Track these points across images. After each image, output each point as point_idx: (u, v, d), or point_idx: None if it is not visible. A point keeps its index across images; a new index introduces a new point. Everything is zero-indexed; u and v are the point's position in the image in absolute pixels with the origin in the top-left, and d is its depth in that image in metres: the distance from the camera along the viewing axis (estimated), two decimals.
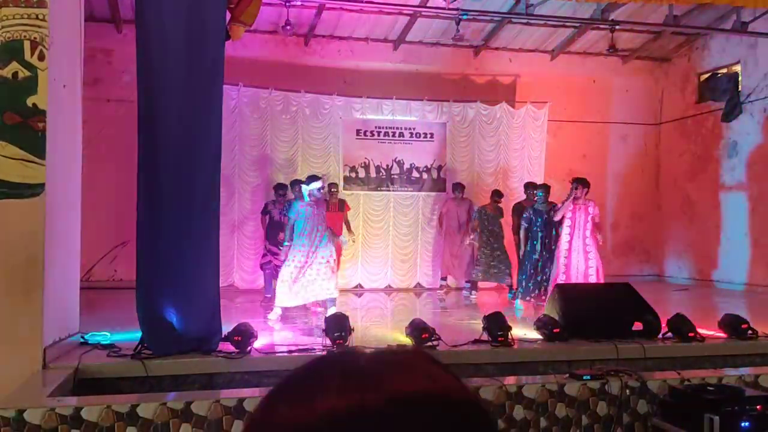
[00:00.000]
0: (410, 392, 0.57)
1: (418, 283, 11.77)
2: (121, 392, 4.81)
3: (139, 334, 5.31)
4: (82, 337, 5.67)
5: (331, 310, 7.14)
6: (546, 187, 9.37)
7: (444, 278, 11.03)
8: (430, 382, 0.59)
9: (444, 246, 11.00)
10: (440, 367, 0.62)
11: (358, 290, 11.09)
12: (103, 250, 10.39)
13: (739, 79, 11.80)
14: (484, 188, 11.92)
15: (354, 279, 11.32)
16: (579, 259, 8.22)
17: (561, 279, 8.15)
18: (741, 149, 11.74)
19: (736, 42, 11.76)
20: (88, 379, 4.89)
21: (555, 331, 6.04)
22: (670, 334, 6.24)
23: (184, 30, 5.51)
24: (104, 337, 5.70)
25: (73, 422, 3.89)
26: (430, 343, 5.67)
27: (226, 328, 5.55)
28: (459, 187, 10.84)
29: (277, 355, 5.51)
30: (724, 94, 11.86)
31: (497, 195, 10.37)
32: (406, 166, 11.85)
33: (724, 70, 12.19)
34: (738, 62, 11.88)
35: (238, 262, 10.95)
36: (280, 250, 8.57)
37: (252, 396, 4.31)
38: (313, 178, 7.97)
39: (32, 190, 4.81)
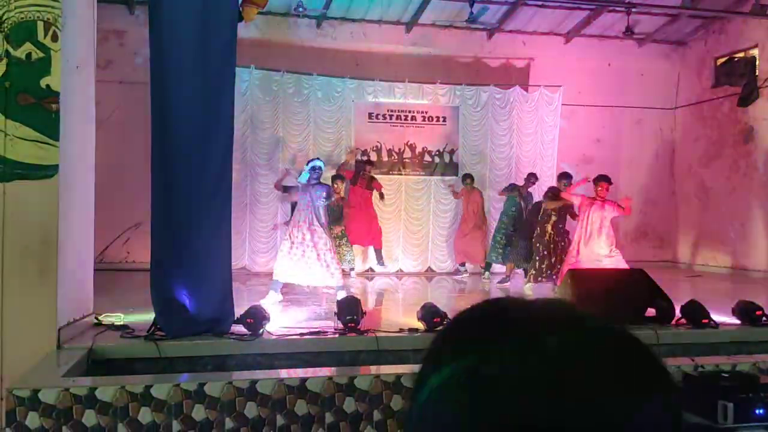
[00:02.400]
0: (610, 328, 0.57)
1: (430, 268, 11.76)
2: (134, 373, 4.84)
3: (152, 316, 5.33)
4: (96, 318, 5.71)
5: (341, 294, 7.14)
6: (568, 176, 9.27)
7: (462, 264, 11.05)
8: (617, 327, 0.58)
9: (456, 233, 11.10)
10: None
11: (370, 274, 11.10)
12: (116, 231, 10.43)
13: (757, 63, 11.63)
14: (497, 172, 11.89)
15: (365, 263, 11.32)
16: (590, 257, 8.15)
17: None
18: (757, 134, 11.61)
19: (754, 25, 11.58)
20: (101, 360, 4.93)
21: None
22: (683, 321, 6.20)
23: (197, 11, 5.48)
24: (119, 318, 5.74)
25: (88, 402, 3.92)
26: (441, 327, 5.66)
27: (239, 311, 5.57)
28: (468, 177, 10.83)
29: (288, 337, 5.52)
30: (741, 78, 11.71)
31: (533, 178, 10.30)
32: (418, 149, 11.80)
33: (741, 54, 12.02)
34: (755, 46, 11.70)
35: (250, 245, 10.97)
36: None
37: (264, 378, 4.33)
38: (311, 161, 7.99)
39: (45, 171, 4.83)
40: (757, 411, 4.05)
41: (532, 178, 10.34)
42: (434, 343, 0.59)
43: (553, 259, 8.71)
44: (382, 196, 10.36)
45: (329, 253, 7.58)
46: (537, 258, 8.82)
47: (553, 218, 8.81)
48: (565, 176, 9.09)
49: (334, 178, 9.20)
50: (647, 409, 0.52)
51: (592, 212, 8.20)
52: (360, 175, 10.59)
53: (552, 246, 8.74)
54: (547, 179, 11.01)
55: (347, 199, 9.93)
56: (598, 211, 8.20)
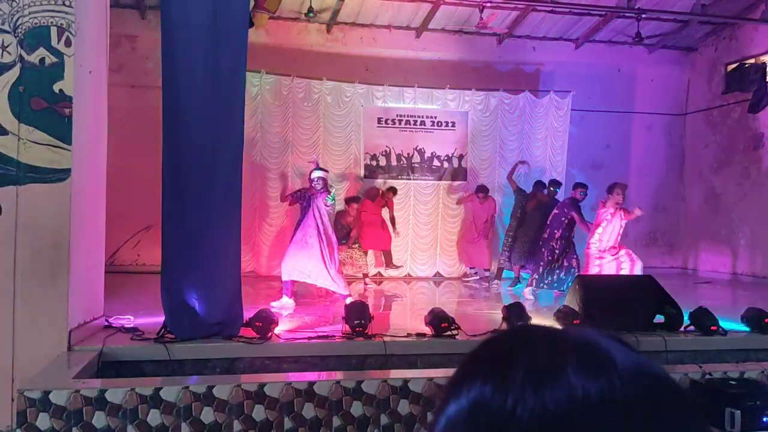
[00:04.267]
0: (651, 373, 0.52)
1: (438, 272, 11.77)
2: (144, 375, 4.88)
3: (162, 318, 5.37)
4: (107, 320, 5.75)
5: (348, 300, 7.17)
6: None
7: (473, 268, 11.08)
8: (653, 363, 0.54)
9: (464, 238, 11.19)
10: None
11: (378, 278, 11.11)
12: (127, 234, 10.50)
13: (767, 69, 11.59)
14: (508, 169, 11.87)
15: (374, 267, 11.34)
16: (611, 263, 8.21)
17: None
18: None
19: (765, 31, 11.54)
20: (111, 362, 4.97)
21: (575, 322, 6.02)
22: (692, 327, 6.19)
23: (208, 16, 5.53)
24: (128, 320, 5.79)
25: (98, 404, 3.96)
26: (449, 333, 5.69)
27: (248, 314, 5.60)
28: (483, 189, 10.88)
29: (297, 341, 5.55)
30: (751, 84, 11.66)
31: (556, 185, 10.01)
32: (427, 154, 11.81)
33: (752, 60, 11.97)
34: (766, 52, 11.66)
35: (259, 249, 11.01)
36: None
37: (272, 381, 4.36)
38: (314, 171, 8.06)
39: (58, 174, 4.88)
40: (764, 418, 4.05)
41: (553, 184, 10.10)
42: (458, 369, 0.56)
43: (554, 266, 8.72)
44: (393, 224, 10.58)
45: (333, 267, 7.62)
46: (540, 263, 8.84)
47: (563, 225, 8.82)
48: (555, 183, 9.25)
49: (348, 201, 9.44)
50: None
51: (615, 220, 8.27)
52: (381, 196, 10.74)
53: (557, 252, 8.74)
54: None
55: (360, 220, 10.09)
56: (616, 217, 8.27)
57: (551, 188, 9.91)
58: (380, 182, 11.27)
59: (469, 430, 0.50)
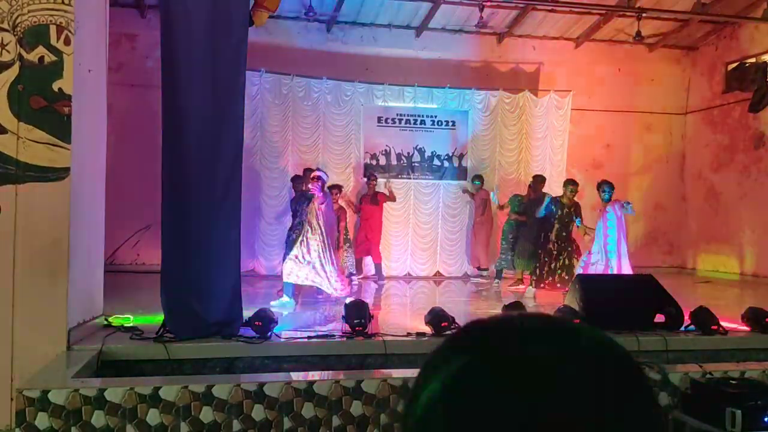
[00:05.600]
0: (600, 338, 0.59)
1: (438, 271, 11.76)
2: (143, 375, 4.87)
3: (161, 318, 5.37)
4: (106, 320, 5.74)
5: (348, 300, 7.17)
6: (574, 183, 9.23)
7: (479, 267, 11.10)
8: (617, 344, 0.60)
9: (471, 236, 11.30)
10: None
11: (376, 277, 11.09)
12: (126, 233, 10.49)
13: None
14: (506, 177, 11.86)
15: (374, 266, 11.32)
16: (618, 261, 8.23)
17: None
18: None
19: (765, 31, 11.53)
20: (111, 361, 4.96)
21: (576, 322, 5.98)
22: (692, 327, 6.18)
23: (207, 15, 5.52)
24: (127, 320, 5.78)
25: (97, 403, 3.95)
26: (449, 332, 5.67)
27: (247, 314, 5.59)
28: (478, 178, 10.96)
29: (296, 340, 5.54)
30: (752, 84, 11.65)
31: (572, 184, 9.07)
32: (427, 153, 11.81)
33: (753, 60, 11.96)
34: (767, 52, 11.65)
35: (259, 248, 11.00)
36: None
37: (272, 380, 4.35)
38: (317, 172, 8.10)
39: (57, 173, 4.87)
40: (765, 418, 4.03)
41: (539, 180, 10.19)
42: (432, 353, 0.61)
43: (553, 265, 8.70)
44: (392, 197, 10.56)
45: (329, 265, 7.62)
46: (538, 263, 8.84)
47: (557, 225, 8.79)
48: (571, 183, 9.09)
49: (330, 189, 9.43)
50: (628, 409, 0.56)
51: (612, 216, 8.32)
52: (368, 183, 10.73)
53: (555, 252, 8.73)
54: (557, 185, 10.97)
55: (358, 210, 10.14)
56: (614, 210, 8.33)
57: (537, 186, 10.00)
58: (381, 182, 11.25)
59: (451, 399, 0.55)
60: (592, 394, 0.54)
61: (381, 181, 11.01)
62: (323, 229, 7.68)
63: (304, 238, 7.66)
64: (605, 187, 8.39)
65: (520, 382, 0.54)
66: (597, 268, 8.15)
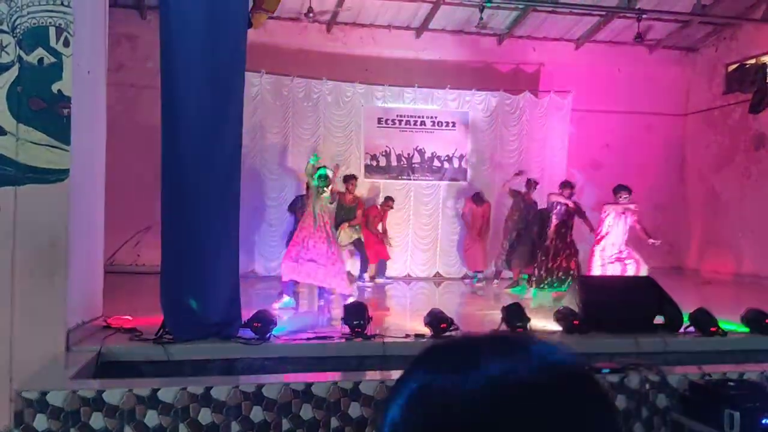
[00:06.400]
0: (558, 362, 0.62)
1: (438, 273, 11.76)
2: (142, 376, 4.86)
3: (160, 319, 5.36)
4: (105, 321, 5.74)
5: (349, 299, 7.17)
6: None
7: (478, 270, 11.09)
8: (568, 356, 0.63)
9: (466, 242, 11.19)
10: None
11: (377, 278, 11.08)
12: (126, 234, 10.49)
13: None
14: (506, 178, 11.83)
15: (373, 267, 11.31)
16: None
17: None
18: None
19: (766, 32, 11.53)
20: (110, 363, 4.96)
21: (574, 323, 6.00)
22: (691, 328, 6.17)
23: (207, 17, 5.52)
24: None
25: (95, 405, 3.95)
26: (448, 333, 5.67)
27: (246, 315, 5.59)
28: (478, 197, 10.92)
29: (295, 341, 5.54)
30: (752, 85, 11.65)
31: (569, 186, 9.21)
32: (428, 154, 11.81)
33: (753, 61, 11.96)
34: (767, 53, 11.64)
35: (259, 249, 11.00)
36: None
37: (270, 382, 4.35)
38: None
39: (57, 175, 4.87)
40: (763, 420, 4.03)
41: (532, 183, 10.23)
42: (408, 367, 0.66)
43: (550, 265, 8.70)
44: (386, 233, 10.73)
45: (334, 265, 7.59)
46: (536, 264, 8.85)
47: (555, 224, 8.80)
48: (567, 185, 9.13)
49: (346, 179, 9.53)
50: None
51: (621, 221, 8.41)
52: (381, 206, 10.80)
53: (552, 252, 8.73)
54: (556, 185, 10.97)
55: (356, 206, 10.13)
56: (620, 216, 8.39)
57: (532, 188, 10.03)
58: (381, 183, 11.24)
59: (420, 405, 0.60)
60: (545, 406, 0.57)
61: (380, 181, 11.09)
62: (327, 227, 7.64)
63: (307, 237, 7.61)
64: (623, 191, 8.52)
65: (474, 399, 0.57)
66: (613, 268, 8.23)
